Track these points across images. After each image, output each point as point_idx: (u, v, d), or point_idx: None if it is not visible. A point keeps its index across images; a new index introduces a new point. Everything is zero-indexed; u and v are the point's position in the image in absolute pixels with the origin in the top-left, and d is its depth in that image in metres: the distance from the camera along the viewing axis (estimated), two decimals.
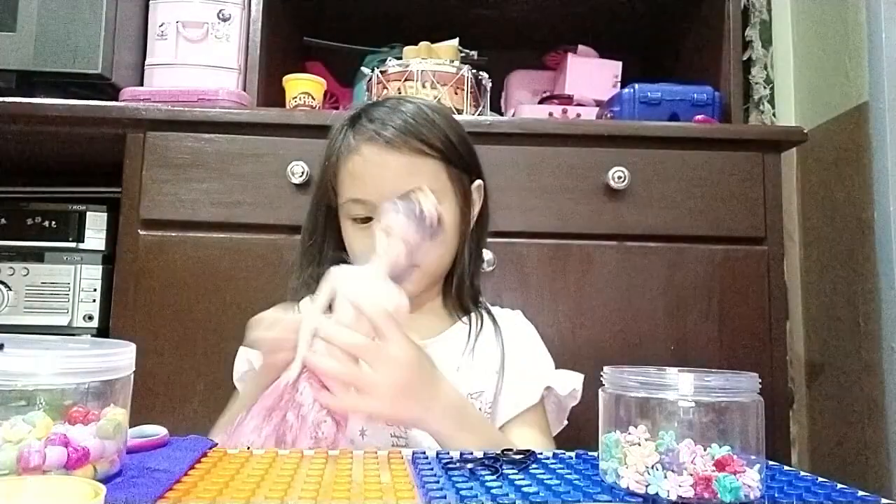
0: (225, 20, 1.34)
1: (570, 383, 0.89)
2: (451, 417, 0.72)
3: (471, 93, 1.30)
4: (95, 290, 1.32)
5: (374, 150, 0.85)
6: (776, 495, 0.56)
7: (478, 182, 0.93)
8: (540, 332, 0.99)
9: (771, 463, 0.63)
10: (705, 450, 0.53)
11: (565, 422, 0.92)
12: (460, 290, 0.93)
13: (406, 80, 1.26)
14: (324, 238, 0.93)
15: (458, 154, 0.89)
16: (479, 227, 0.95)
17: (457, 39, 1.41)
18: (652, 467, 0.53)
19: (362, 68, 1.46)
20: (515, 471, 0.60)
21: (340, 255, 0.91)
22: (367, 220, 0.86)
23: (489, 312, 0.95)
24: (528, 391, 0.88)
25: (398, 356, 0.68)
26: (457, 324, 0.92)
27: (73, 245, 1.34)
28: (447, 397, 0.74)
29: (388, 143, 0.85)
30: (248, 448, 0.65)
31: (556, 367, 0.97)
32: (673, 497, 0.51)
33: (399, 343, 0.68)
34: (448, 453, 0.66)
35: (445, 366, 0.85)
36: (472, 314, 0.93)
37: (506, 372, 0.90)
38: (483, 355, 0.90)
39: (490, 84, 1.35)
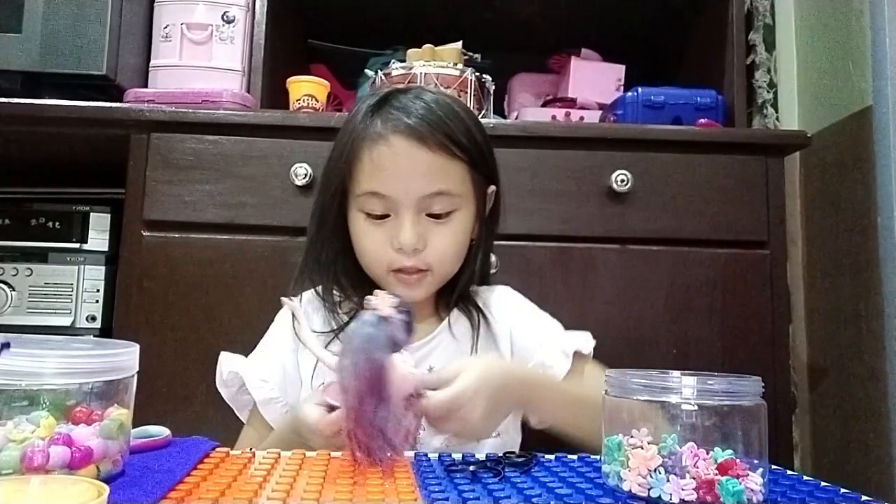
0: (229, 22, 1.34)
1: (589, 341, 0.90)
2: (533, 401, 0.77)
3: (474, 95, 1.30)
4: (98, 290, 1.32)
5: (404, 142, 0.81)
6: (779, 499, 0.56)
7: (492, 188, 0.92)
8: None
9: (773, 467, 0.63)
10: (708, 453, 0.53)
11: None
12: (463, 297, 0.91)
13: (409, 82, 1.26)
14: (333, 229, 0.88)
15: (484, 158, 0.88)
16: (489, 237, 0.93)
17: (460, 42, 1.41)
18: (654, 470, 0.53)
19: (366, 71, 1.46)
20: (517, 473, 0.60)
21: (347, 251, 0.88)
22: (383, 217, 0.83)
23: (479, 309, 0.92)
24: (560, 362, 0.86)
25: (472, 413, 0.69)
26: (443, 324, 0.90)
27: (76, 246, 1.34)
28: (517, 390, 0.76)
29: (420, 137, 0.81)
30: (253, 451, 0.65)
31: None
32: (675, 500, 0.51)
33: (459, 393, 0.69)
34: (450, 455, 0.66)
35: (427, 367, 0.85)
36: (472, 312, 0.91)
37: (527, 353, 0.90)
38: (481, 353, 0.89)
39: (493, 87, 1.35)
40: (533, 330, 0.92)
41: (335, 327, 0.86)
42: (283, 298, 0.83)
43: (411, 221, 0.82)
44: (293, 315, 0.87)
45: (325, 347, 0.84)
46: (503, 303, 0.95)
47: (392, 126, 0.82)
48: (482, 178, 0.88)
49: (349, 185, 0.85)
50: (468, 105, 1.29)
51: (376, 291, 0.68)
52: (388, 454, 0.61)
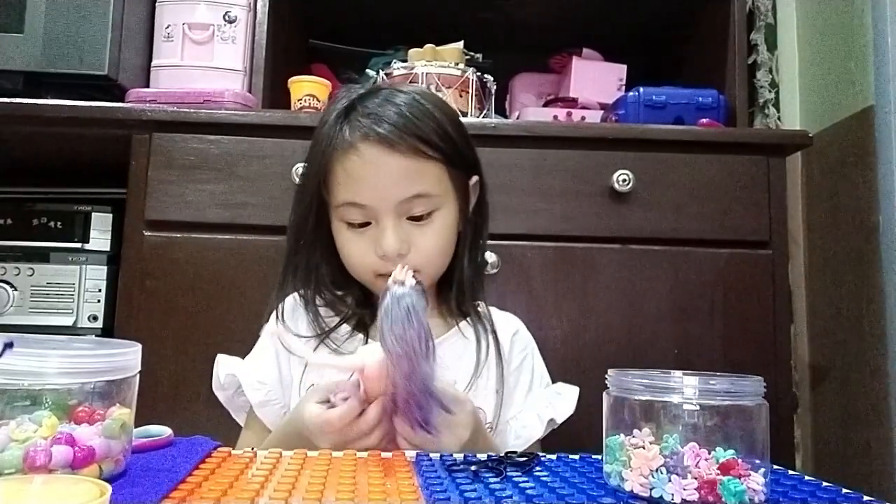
0: (231, 22, 1.34)
1: (568, 408, 0.87)
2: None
3: (475, 95, 1.30)
4: (100, 290, 1.32)
5: (374, 150, 0.80)
6: (780, 500, 0.56)
7: (475, 179, 0.90)
8: (544, 335, 0.99)
9: (775, 467, 0.63)
10: (710, 453, 0.52)
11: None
12: (460, 295, 0.90)
13: (411, 82, 1.27)
14: (315, 237, 0.87)
15: (459, 153, 0.86)
16: (478, 228, 0.92)
17: (462, 42, 1.41)
18: (656, 470, 0.53)
19: (367, 70, 1.46)
20: (519, 473, 0.60)
21: (328, 257, 0.88)
22: (364, 224, 0.83)
23: (491, 324, 0.91)
24: (534, 427, 0.86)
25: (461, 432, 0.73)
26: (452, 330, 0.89)
27: (78, 245, 1.34)
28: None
29: (389, 143, 0.80)
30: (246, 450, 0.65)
31: (560, 370, 0.97)
32: (677, 500, 0.51)
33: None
34: (452, 456, 0.66)
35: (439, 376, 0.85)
36: (478, 327, 0.89)
37: (513, 398, 0.89)
38: (485, 373, 0.88)
39: (495, 87, 1.35)
40: (528, 377, 0.93)
41: (319, 332, 0.86)
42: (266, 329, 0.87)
43: (392, 228, 0.81)
44: (279, 338, 0.88)
45: (313, 351, 0.84)
46: (517, 333, 0.94)
47: (361, 135, 0.81)
48: (461, 172, 0.87)
49: (326, 195, 0.85)
50: (469, 105, 1.29)
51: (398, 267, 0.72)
52: (432, 417, 0.67)
